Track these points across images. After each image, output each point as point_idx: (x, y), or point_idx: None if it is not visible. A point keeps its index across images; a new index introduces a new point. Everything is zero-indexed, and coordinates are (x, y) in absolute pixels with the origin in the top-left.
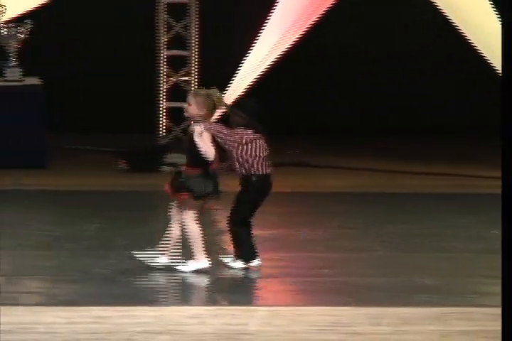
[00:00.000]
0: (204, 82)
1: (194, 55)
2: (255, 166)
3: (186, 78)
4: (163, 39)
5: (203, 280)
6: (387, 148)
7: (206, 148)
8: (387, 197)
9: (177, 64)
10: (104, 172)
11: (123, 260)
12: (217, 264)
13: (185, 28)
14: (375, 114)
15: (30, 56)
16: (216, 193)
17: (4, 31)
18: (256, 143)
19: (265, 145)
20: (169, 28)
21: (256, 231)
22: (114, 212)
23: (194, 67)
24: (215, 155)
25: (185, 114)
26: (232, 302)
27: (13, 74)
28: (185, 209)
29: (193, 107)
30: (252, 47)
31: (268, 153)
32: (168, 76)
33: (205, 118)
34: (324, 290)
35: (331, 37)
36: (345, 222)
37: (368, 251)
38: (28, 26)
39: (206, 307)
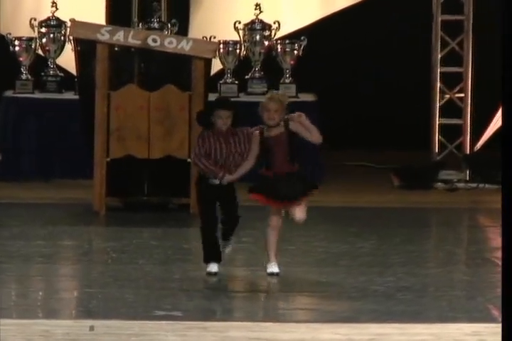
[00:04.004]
0: (478, 99)
1: (469, 71)
2: None
3: (461, 95)
4: (438, 55)
5: (477, 296)
6: None
7: None
8: None
9: (452, 80)
10: (378, 188)
11: (400, 277)
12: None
13: (461, 44)
14: None
15: (304, 73)
16: None
17: (279, 48)
18: None
19: None
20: (444, 44)
21: None
22: (388, 229)
23: (468, 83)
24: None
25: (273, 122)
26: None
27: (288, 91)
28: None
29: (281, 112)
30: None
31: None
32: (442, 92)
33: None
34: None
35: None
36: None
37: None
38: (303, 43)
39: (486, 325)
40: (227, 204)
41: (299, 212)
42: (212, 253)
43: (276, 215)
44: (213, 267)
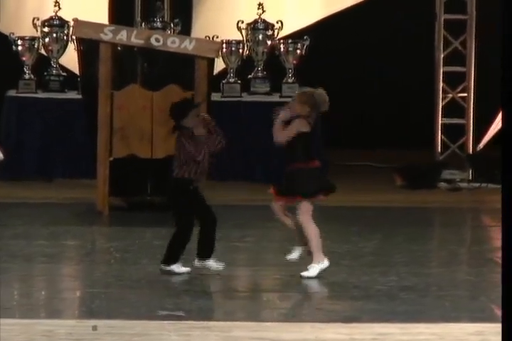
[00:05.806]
0: (480, 99)
1: (472, 71)
2: None
3: (463, 94)
4: (441, 55)
5: (480, 295)
6: None
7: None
8: None
9: (455, 80)
10: (381, 188)
11: (403, 277)
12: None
13: (464, 44)
14: None
15: (308, 72)
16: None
17: (282, 47)
18: None
19: None
20: (447, 44)
21: None
22: (391, 228)
23: (471, 83)
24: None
25: (288, 113)
26: None
27: (291, 90)
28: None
29: (296, 106)
30: None
31: None
32: (445, 92)
33: (308, 117)
34: None
35: None
36: None
37: None
38: (306, 43)
39: (489, 324)
40: (203, 207)
41: (300, 213)
42: (178, 256)
43: (280, 210)
44: (180, 267)
